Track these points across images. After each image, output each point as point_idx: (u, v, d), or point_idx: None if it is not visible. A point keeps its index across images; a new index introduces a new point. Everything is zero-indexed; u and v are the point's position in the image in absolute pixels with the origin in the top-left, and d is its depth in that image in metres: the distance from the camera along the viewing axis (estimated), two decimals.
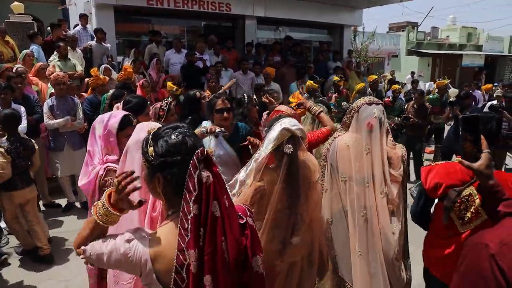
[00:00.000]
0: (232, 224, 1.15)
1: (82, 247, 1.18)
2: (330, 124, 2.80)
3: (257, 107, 3.99)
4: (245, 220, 1.25)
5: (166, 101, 3.19)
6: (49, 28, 7.49)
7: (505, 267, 1.09)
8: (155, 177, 1.16)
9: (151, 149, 1.16)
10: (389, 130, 2.24)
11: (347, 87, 8.05)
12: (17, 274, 3.64)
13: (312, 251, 2.07)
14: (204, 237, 1.08)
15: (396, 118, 6.43)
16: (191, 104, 3.76)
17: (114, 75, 6.42)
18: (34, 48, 6.31)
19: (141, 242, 1.12)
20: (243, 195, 1.94)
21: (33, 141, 3.90)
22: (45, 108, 4.77)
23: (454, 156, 4.93)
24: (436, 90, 8.28)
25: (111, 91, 4.32)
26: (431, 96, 7.84)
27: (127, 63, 6.59)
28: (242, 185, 1.97)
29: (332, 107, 5.01)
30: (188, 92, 3.99)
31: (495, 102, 7.16)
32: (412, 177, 6.10)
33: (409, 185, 2.41)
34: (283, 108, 2.71)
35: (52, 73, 5.15)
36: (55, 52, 6.24)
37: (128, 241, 1.13)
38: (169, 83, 6.06)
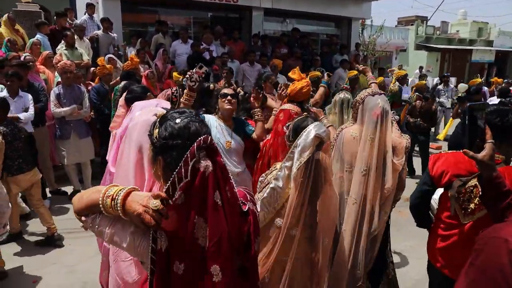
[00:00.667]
0: (233, 214, 1.15)
1: (83, 218, 1.17)
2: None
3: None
4: (247, 206, 1.25)
5: (175, 88, 3.22)
6: (55, 17, 7.50)
7: None
8: (157, 159, 1.17)
9: (156, 131, 1.17)
10: (394, 119, 2.32)
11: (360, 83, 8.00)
12: (20, 258, 3.70)
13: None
14: (206, 228, 1.08)
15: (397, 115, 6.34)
16: (204, 96, 3.80)
17: (120, 64, 6.44)
18: (39, 37, 6.34)
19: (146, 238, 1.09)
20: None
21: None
22: (52, 97, 4.80)
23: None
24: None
25: (123, 82, 4.34)
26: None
27: (132, 53, 6.60)
28: (275, 190, 1.95)
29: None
30: (202, 83, 4.01)
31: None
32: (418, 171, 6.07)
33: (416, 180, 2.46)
34: (288, 106, 2.76)
35: (59, 61, 5.18)
36: (62, 41, 6.26)
37: (132, 233, 1.10)
38: (175, 74, 6.06)
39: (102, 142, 5.41)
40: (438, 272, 1.98)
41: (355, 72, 6.44)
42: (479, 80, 8.05)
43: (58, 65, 4.95)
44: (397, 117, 7.47)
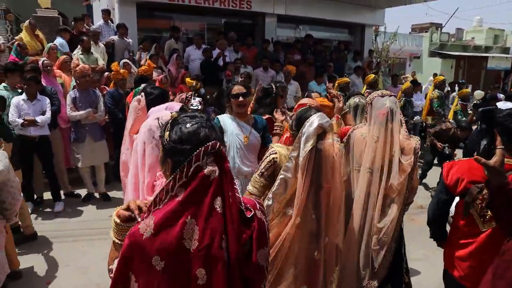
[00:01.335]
0: (233, 221, 1.13)
1: (110, 267, 1.22)
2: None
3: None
4: (253, 212, 1.22)
5: (190, 93, 3.27)
6: (73, 22, 7.67)
7: None
8: (166, 161, 1.19)
9: (167, 133, 1.19)
10: (403, 121, 2.36)
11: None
12: (34, 259, 3.74)
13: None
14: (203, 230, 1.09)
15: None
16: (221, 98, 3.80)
17: (134, 69, 6.53)
18: (59, 40, 6.46)
19: None
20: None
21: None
22: (68, 100, 4.88)
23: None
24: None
25: (143, 85, 4.38)
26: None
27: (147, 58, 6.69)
28: (285, 180, 1.99)
29: None
30: (222, 87, 4.03)
31: None
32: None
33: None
34: (306, 100, 2.74)
35: (77, 65, 5.28)
36: (78, 46, 6.39)
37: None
38: (187, 79, 6.12)
39: (116, 145, 5.47)
40: (455, 280, 1.94)
41: (373, 76, 6.39)
42: (442, 77, 7.78)
43: (77, 69, 5.05)
44: (418, 117, 7.35)
